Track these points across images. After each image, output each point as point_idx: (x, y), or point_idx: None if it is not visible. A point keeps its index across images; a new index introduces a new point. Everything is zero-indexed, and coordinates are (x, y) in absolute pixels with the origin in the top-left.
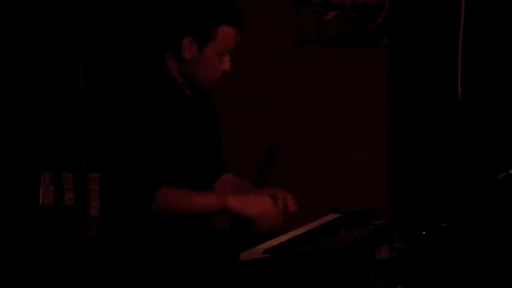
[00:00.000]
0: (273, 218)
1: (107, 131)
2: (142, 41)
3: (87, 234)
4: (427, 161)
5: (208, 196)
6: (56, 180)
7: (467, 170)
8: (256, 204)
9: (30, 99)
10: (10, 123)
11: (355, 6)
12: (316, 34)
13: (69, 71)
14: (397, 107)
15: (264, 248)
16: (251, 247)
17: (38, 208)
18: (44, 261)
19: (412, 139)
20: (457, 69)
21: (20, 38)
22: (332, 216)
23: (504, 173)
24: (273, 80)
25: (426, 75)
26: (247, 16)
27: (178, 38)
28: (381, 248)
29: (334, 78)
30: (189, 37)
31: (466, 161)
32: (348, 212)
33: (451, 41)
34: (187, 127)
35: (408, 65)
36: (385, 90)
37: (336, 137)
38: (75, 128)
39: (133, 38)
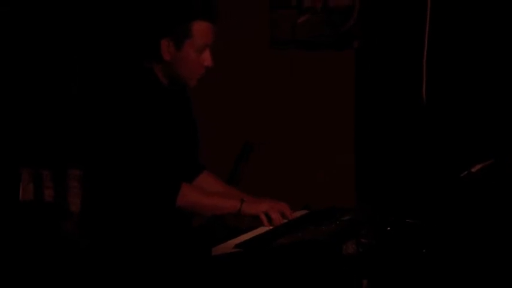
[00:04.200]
0: (279, 212)
1: (115, 141)
2: (121, 48)
3: (68, 231)
4: (393, 161)
5: (226, 200)
6: (35, 177)
7: (432, 169)
8: (264, 203)
9: (18, 99)
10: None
11: (326, 10)
12: (291, 36)
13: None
14: (365, 109)
15: (236, 242)
16: (223, 242)
17: (19, 205)
18: (27, 259)
19: (380, 140)
20: (422, 73)
21: (19, 38)
22: (301, 213)
23: (466, 172)
24: (248, 81)
25: (393, 77)
26: (218, 6)
27: (155, 41)
28: (347, 243)
29: (306, 80)
30: (166, 38)
31: (431, 160)
32: (316, 210)
33: (417, 45)
34: (173, 125)
35: (376, 68)
36: (353, 92)
37: (307, 137)
38: (61, 126)
39: (113, 44)
